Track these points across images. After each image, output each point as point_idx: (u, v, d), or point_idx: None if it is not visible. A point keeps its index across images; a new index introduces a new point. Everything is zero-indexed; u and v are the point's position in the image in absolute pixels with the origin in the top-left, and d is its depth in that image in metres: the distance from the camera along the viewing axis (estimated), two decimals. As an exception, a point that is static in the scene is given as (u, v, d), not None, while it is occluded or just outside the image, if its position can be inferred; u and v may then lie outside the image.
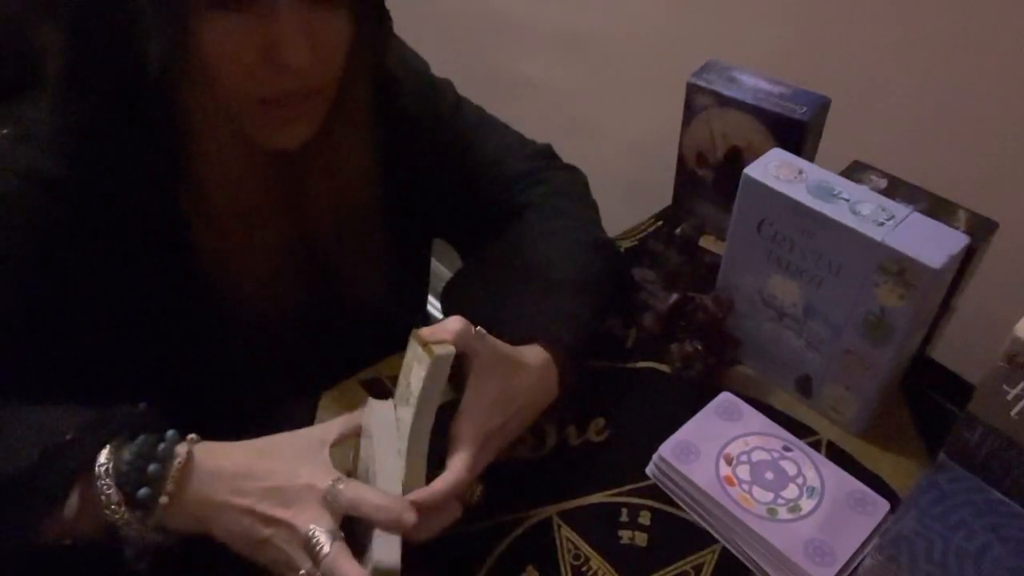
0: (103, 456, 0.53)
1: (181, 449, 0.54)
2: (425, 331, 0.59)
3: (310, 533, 0.52)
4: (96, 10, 0.56)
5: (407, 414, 0.58)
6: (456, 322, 0.59)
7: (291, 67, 0.56)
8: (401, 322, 0.86)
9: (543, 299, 0.72)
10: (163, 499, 0.53)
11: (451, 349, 0.57)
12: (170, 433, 0.55)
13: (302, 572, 0.52)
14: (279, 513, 0.53)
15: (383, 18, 0.66)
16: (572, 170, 0.88)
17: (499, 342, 0.64)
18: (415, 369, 0.58)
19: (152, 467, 0.53)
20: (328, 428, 0.60)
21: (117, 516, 0.52)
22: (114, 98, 0.59)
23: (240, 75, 0.57)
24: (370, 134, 0.69)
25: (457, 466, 0.58)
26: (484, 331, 0.61)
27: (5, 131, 0.62)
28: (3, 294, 0.61)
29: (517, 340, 0.67)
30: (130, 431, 0.55)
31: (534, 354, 0.67)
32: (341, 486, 0.53)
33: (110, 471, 0.52)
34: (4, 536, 0.53)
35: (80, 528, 0.53)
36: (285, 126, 0.62)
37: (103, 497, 0.52)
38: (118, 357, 0.70)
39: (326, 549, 0.51)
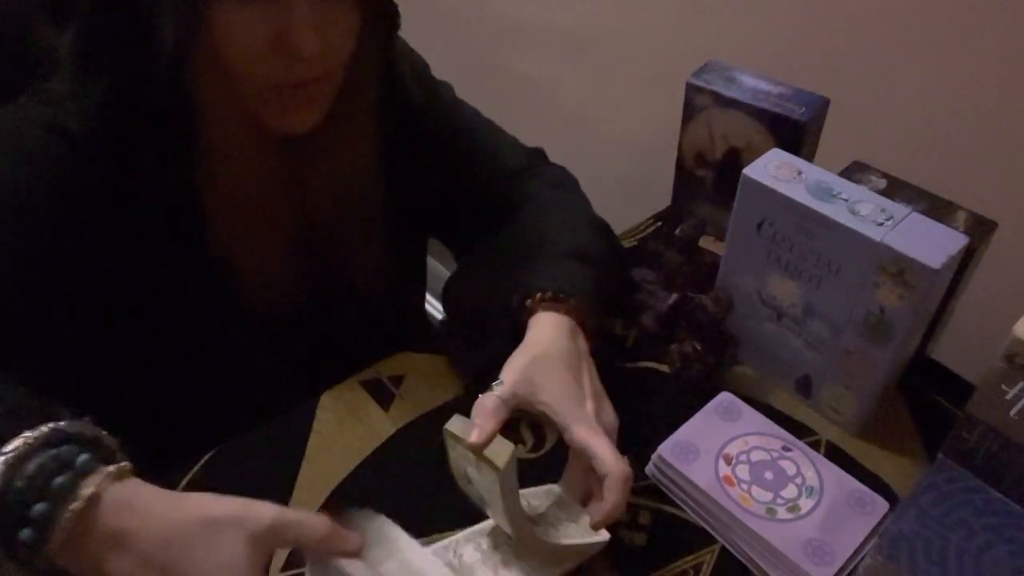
0: None
1: (85, 491, 0.43)
2: (474, 437, 0.54)
3: None
4: None
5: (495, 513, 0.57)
6: (489, 403, 0.57)
7: (302, 55, 0.56)
8: (400, 319, 0.87)
9: (544, 267, 0.71)
10: (52, 545, 0.43)
11: (510, 450, 0.53)
12: (81, 459, 0.45)
13: None
14: None
15: (390, 9, 0.67)
16: (562, 169, 0.89)
17: (519, 358, 0.62)
18: (476, 477, 0.57)
19: (39, 507, 0.43)
20: (262, 544, 0.46)
21: None
22: (128, 80, 0.60)
23: (250, 61, 0.58)
24: (374, 123, 0.70)
25: (609, 468, 0.57)
26: (501, 380, 0.60)
27: (26, 97, 0.63)
28: (24, 244, 0.61)
29: (520, 303, 0.66)
30: (50, 433, 0.46)
31: (545, 323, 0.65)
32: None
33: None
34: None
35: None
36: (293, 111, 0.63)
37: None
38: (124, 338, 0.70)
39: None
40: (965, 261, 0.67)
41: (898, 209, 0.64)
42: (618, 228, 0.97)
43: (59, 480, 0.43)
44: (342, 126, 0.68)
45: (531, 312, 0.66)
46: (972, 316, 0.78)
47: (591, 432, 0.59)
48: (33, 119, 0.61)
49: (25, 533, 0.43)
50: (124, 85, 0.60)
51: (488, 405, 0.58)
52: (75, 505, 0.43)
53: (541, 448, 0.73)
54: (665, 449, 0.69)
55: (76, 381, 0.62)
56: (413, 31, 0.82)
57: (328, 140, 0.68)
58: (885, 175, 0.75)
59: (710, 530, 0.67)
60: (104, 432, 0.48)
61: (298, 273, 0.73)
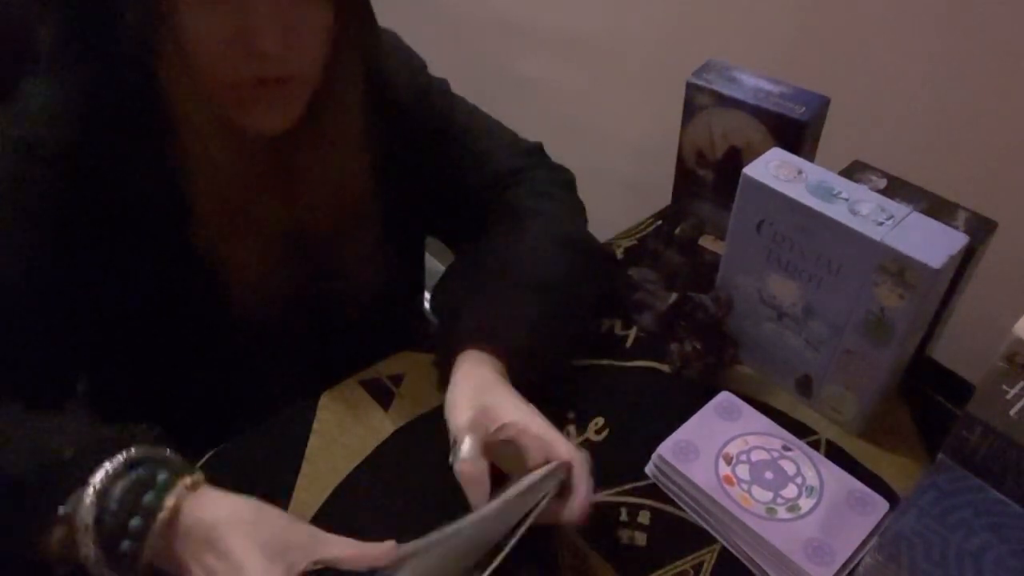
0: (88, 497, 0.50)
1: (169, 502, 0.51)
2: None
3: None
4: None
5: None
6: (475, 470, 0.59)
7: (263, 53, 0.56)
8: (398, 319, 0.86)
9: (496, 303, 0.71)
10: (147, 552, 0.50)
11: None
12: (160, 477, 0.52)
13: None
14: None
15: (367, 13, 0.67)
16: (558, 169, 0.87)
17: (462, 395, 0.64)
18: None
19: (134, 522, 0.50)
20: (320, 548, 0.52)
21: (96, 570, 0.50)
22: (102, 76, 0.60)
23: (214, 58, 0.58)
24: (362, 126, 0.70)
25: (570, 454, 0.59)
26: (460, 444, 0.61)
27: (6, 109, 0.63)
28: (14, 271, 0.61)
29: (458, 345, 0.67)
30: (126, 460, 0.52)
31: (471, 361, 0.66)
32: None
33: (89, 525, 0.49)
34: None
35: (68, 560, 0.52)
36: (262, 110, 0.63)
37: (82, 549, 0.50)
38: (115, 348, 0.69)
39: None
40: (965, 261, 0.67)
41: (898, 209, 0.64)
42: (618, 228, 0.98)
43: (147, 497, 0.51)
44: (326, 127, 0.67)
45: (460, 350, 0.67)
46: (972, 316, 0.78)
47: (546, 427, 0.60)
48: (7, 143, 0.61)
49: (126, 545, 0.50)
50: (98, 82, 0.60)
51: (476, 473, 0.59)
52: (162, 515, 0.50)
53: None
54: (665, 449, 0.69)
55: (74, 388, 0.63)
56: (413, 31, 0.82)
57: (313, 141, 0.67)
58: (885, 175, 0.75)
59: (710, 530, 0.67)
60: (168, 451, 0.55)
61: (290, 275, 0.72)
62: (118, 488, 0.50)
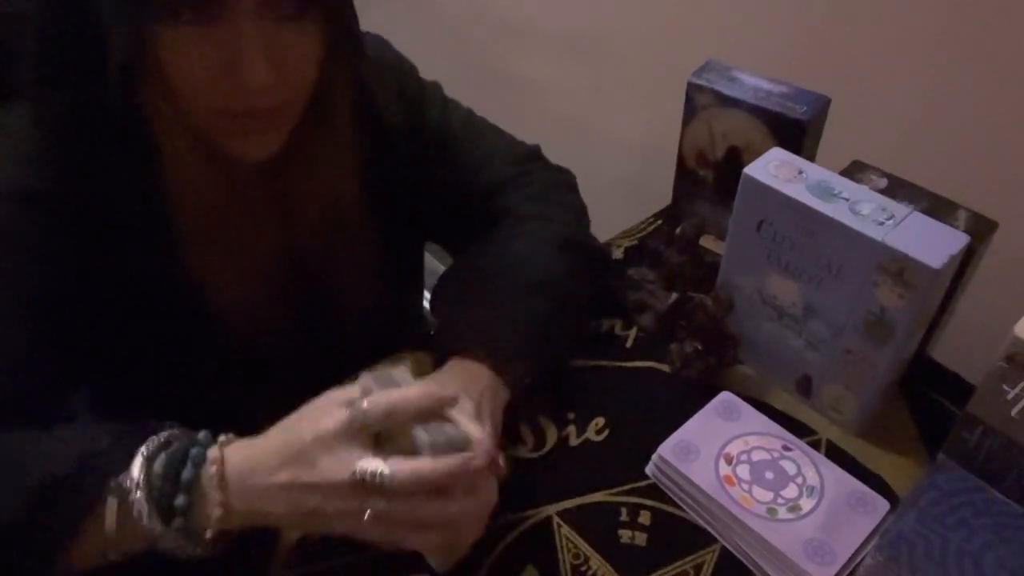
0: (136, 468, 0.51)
1: (213, 453, 0.53)
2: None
3: (357, 474, 0.50)
4: (60, 16, 0.56)
5: None
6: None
7: (250, 87, 0.54)
8: (396, 328, 0.86)
9: (491, 309, 0.70)
10: (216, 511, 0.52)
11: None
12: (201, 435, 0.54)
13: (368, 513, 0.50)
14: (309, 476, 0.51)
15: (354, 29, 0.65)
16: (558, 172, 0.86)
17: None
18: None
19: (185, 473, 0.52)
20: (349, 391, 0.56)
21: (155, 529, 0.51)
22: (83, 105, 0.58)
23: (200, 89, 0.56)
24: (352, 144, 0.68)
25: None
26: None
27: None
28: (8, 312, 0.59)
29: (450, 349, 0.66)
30: (164, 440, 0.54)
31: (458, 369, 0.66)
32: (364, 404, 0.51)
33: (140, 484, 0.51)
34: (43, 545, 0.51)
35: (123, 545, 0.53)
36: (249, 137, 0.61)
37: (137, 511, 0.51)
38: (109, 374, 0.69)
39: (385, 471, 0.50)
40: (965, 261, 0.67)
41: (899, 208, 0.64)
42: (618, 228, 0.98)
43: (193, 451, 0.53)
44: (315, 148, 0.66)
45: (452, 358, 0.67)
46: (972, 316, 0.78)
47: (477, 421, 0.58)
48: None
49: (181, 499, 0.52)
50: (80, 108, 0.59)
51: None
52: (214, 467, 0.52)
53: (542, 448, 0.73)
54: (665, 449, 0.69)
55: (65, 407, 0.63)
56: (413, 31, 0.82)
57: (302, 163, 0.66)
58: (886, 174, 0.75)
59: (710, 530, 0.67)
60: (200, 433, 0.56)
61: (285, 298, 0.71)
62: (162, 457, 0.52)
